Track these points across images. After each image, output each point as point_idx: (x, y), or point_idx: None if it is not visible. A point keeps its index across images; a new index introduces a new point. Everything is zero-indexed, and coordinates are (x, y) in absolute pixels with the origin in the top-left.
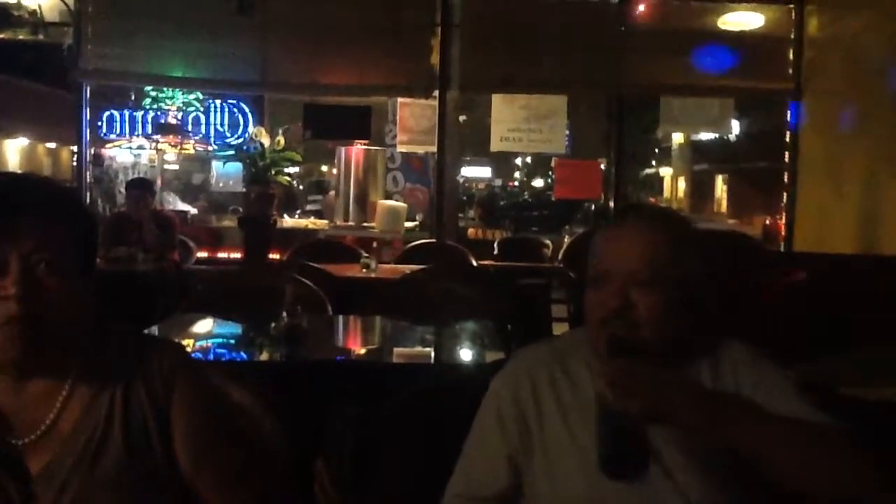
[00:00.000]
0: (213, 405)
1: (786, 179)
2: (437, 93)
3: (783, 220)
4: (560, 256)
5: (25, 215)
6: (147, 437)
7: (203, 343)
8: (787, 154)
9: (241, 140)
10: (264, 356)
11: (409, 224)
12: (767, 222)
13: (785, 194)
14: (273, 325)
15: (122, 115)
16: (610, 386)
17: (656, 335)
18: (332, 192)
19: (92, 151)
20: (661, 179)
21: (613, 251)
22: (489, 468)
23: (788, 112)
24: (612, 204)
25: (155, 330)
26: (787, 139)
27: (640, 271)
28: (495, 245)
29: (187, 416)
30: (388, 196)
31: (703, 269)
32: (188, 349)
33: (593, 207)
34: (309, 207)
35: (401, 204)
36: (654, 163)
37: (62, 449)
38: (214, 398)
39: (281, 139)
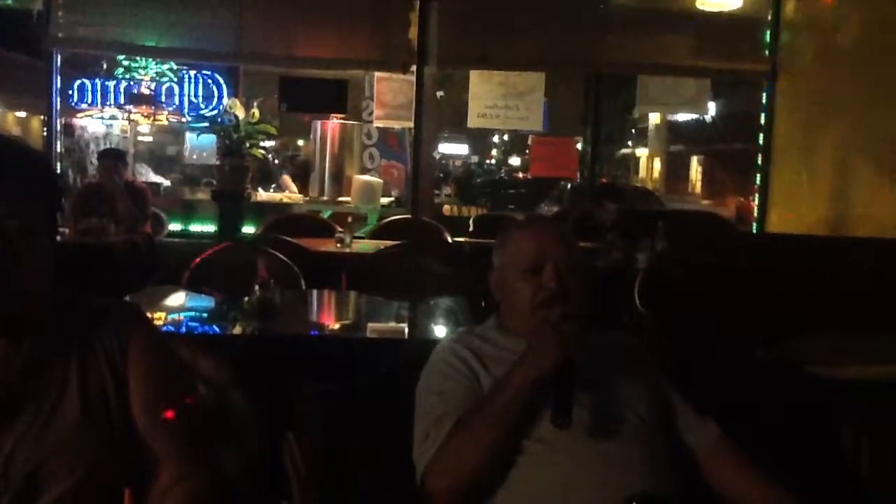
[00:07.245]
0: (168, 362)
1: (759, 161)
2: (414, 68)
3: (756, 202)
4: None
5: (2, 179)
6: (105, 400)
7: (175, 316)
8: (761, 135)
9: (215, 112)
10: (236, 330)
11: (384, 200)
12: (741, 203)
13: (758, 175)
14: (245, 298)
15: (93, 85)
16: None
17: (581, 313)
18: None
19: (63, 121)
20: (636, 159)
21: (543, 243)
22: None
23: (763, 94)
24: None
25: None
26: (762, 121)
27: (569, 257)
28: (471, 222)
29: (143, 373)
30: (363, 171)
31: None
32: (158, 321)
33: (569, 186)
34: None
35: (376, 179)
36: (630, 142)
37: (16, 412)
38: (169, 356)
39: (256, 112)
